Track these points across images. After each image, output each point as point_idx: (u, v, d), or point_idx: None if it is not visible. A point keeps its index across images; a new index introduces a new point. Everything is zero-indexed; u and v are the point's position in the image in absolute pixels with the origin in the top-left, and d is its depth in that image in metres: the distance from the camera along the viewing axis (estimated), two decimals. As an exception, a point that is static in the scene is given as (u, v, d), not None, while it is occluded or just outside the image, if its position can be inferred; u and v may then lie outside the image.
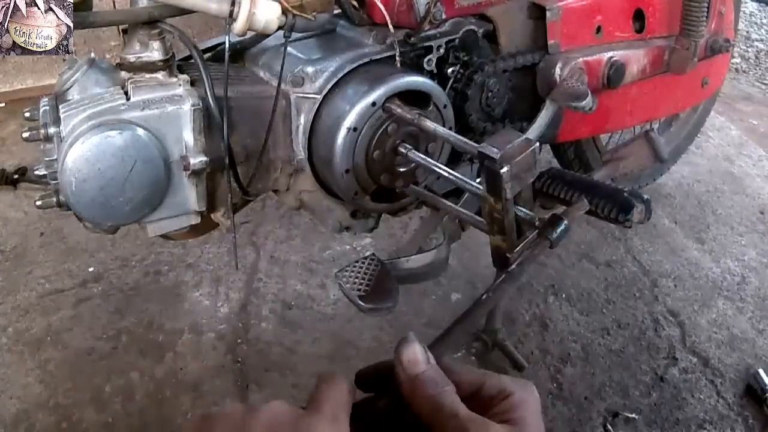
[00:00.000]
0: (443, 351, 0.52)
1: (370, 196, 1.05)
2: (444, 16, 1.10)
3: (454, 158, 1.18)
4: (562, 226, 0.72)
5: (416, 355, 0.46)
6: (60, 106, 0.85)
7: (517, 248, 0.79)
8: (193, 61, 0.91)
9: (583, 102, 1.09)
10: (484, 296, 0.60)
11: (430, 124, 0.96)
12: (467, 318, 0.59)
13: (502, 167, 0.73)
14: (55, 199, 0.88)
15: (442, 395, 0.44)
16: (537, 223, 0.76)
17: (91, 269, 1.69)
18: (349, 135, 0.95)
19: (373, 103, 0.96)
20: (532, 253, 0.73)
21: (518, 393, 0.45)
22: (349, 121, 0.95)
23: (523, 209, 0.79)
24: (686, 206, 1.98)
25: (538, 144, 0.77)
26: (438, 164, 0.97)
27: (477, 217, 0.93)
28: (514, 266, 0.69)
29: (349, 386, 0.45)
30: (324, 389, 0.44)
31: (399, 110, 0.97)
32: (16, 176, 2.03)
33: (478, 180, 0.99)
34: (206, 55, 1.05)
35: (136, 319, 1.53)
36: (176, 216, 0.95)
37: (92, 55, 0.90)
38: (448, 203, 1.00)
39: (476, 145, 0.80)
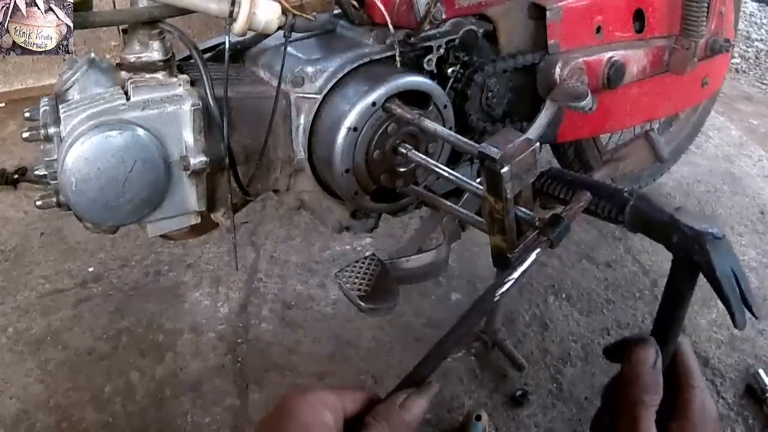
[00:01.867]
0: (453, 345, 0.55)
1: (370, 196, 1.05)
2: (444, 16, 1.10)
3: (454, 158, 1.18)
4: (563, 226, 0.72)
5: (647, 356, 0.52)
6: (60, 106, 0.85)
7: (518, 248, 0.79)
8: (193, 61, 0.91)
9: (583, 102, 1.09)
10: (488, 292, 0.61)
11: (430, 124, 0.96)
12: (477, 307, 0.60)
13: (502, 167, 0.73)
14: (55, 199, 0.88)
15: (642, 406, 0.51)
16: (537, 223, 0.76)
17: (91, 269, 1.69)
18: (349, 135, 0.95)
19: (373, 103, 0.96)
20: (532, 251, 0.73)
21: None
22: (350, 120, 0.95)
23: (523, 209, 0.79)
24: (686, 206, 1.97)
25: (538, 144, 0.77)
26: (438, 164, 0.97)
27: (477, 217, 0.93)
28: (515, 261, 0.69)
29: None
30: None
31: (399, 110, 0.97)
32: (16, 176, 2.03)
33: (478, 180, 0.99)
34: (206, 55, 1.05)
35: (136, 319, 1.53)
36: (176, 216, 0.95)
37: (92, 55, 0.90)
38: (448, 203, 1.00)
39: (476, 144, 0.80)
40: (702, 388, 0.54)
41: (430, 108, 1.04)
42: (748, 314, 0.55)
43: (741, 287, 0.55)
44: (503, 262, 0.81)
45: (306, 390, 0.51)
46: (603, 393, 0.58)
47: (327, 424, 0.48)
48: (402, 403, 0.51)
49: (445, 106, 1.06)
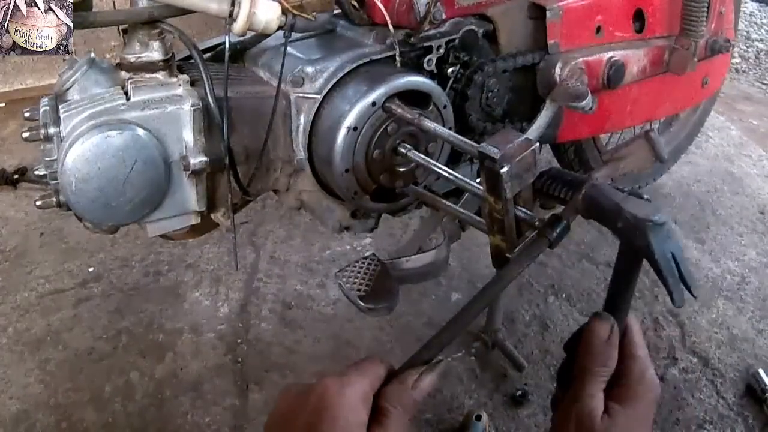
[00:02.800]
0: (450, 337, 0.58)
1: (370, 196, 1.05)
2: (444, 16, 1.09)
3: (454, 158, 1.18)
4: (562, 227, 0.72)
5: (600, 328, 0.58)
6: (60, 106, 0.85)
7: (517, 248, 0.79)
8: (193, 61, 0.91)
9: (583, 102, 1.09)
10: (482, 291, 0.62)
11: (430, 124, 0.96)
12: (475, 304, 0.62)
13: (502, 167, 0.73)
14: (55, 199, 0.88)
15: (589, 374, 0.56)
16: (537, 224, 0.76)
17: (91, 269, 1.69)
18: (349, 134, 0.95)
19: (373, 103, 0.96)
20: (530, 252, 0.73)
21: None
22: (350, 120, 0.95)
23: (523, 209, 0.79)
24: (686, 206, 1.98)
25: (538, 144, 0.77)
26: (438, 164, 0.97)
27: (477, 218, 0.93)
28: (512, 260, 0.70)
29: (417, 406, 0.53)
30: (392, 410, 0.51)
31: (399, 110, 0.97)
32: (16, 176, 2.03)
33: (478, 180, 0.99)
34: (206, 55, 1.05)
35: (136, 319, 1.53)
36: (176, 216, 0.95)
37: (92, 55, 0.90)
38: (448, 203, 1.00)
39: (476, 145, 0.80)
40: (644, 357, 0.58)
41: (430, 108, 1.04)
42: (687, 295, 0.60)
43: (680, 270, 0.59)
44: (503, 263, 0.81)
45: (343, 380, 0.51)
46: (557, 372, 0.63)
47: (363, 423, 0.49)
48: (413, 384, 0.54)
49: (444, 107, 1.06)
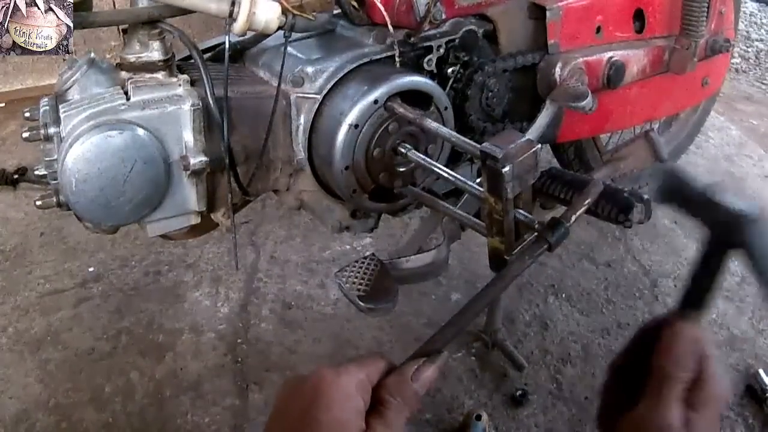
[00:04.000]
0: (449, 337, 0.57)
1: (369, 195, 1.05)
2: (444, 16, 1.09)
3: (454, 159, 1.18)
4: (562, 230, 0.72)
5: (690, 332, 0.54)
6: (60, 106, 0.85)
7: (515, 250, 0.79)
8: (193, 61, 0.91)
9: (584, 102, 1.09)
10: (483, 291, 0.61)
11: (432, 124, 0.96)
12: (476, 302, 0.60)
13: (504, 167, 0.73)
14: (55, 199, 0.88)
15: (672, 380, 0.52)
16: (536, 226, 0.76)
17: (91, 269, 1.69)
18: (350, 131, 0.96)
19: (376, 101, 0.96)
20: (530, 253, 0.73)
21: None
22: (351, 117, 0.95)
23: (522, 212, 0.79)
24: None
25: (540, 146, 0.77)
26: (437, 165, 0.97)
27: (475, 220, 0.93)
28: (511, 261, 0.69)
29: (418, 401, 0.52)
30: (392, 403, 0.51)
31: (401, 109, 0.97)
32: (16, 176, 2.03)
33: (477, 181, 0.99)
34: (206, 55, 1.05)
35: (136, 319, 1.53)
36: (176, 216, 0.95)
37: (92, 55, 0.90)
38: (446, 205, 1.00)
39: (477, 145, 0.80)
40: (715, 357, 0.54)
41: (431, 109, 1.04)
42: None
43: None
44: (500, 265, 0.81)
45: (339, 369, 0.50)
46: (614, 365, 0.58)
47: (359, 411, 0.49)
48: (413, 375, 0.53)
49: (445, 108, 1.06)
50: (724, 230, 0.55)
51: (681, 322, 0.55)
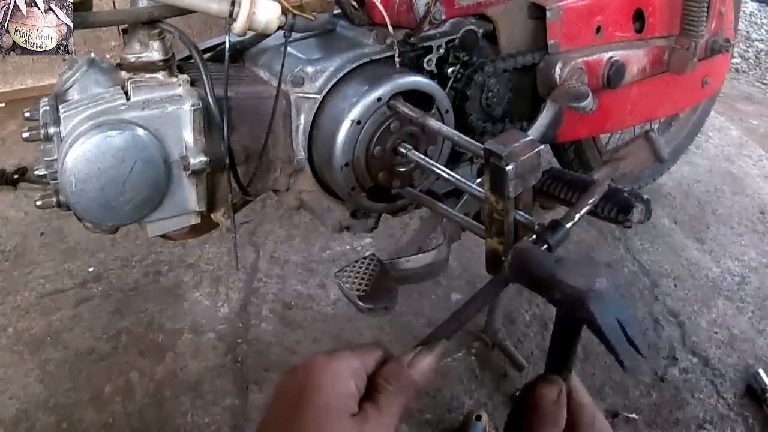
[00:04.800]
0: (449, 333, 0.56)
1: (367, 195, 1.05)
2: (444, 16, 1.10)
3: (453, 160, 1.18)
4: (562, 232, 0.72)
5: (549, 390, 0.55)
6: (60, 106, 0.85)
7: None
8: (193, 61, 0.91)
9: (584, 102, 1.09)
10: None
11: (434, 123, 0.96)
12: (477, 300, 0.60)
13: (507, 164, 0.73)
14: (55, 199, 0.88)
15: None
16: (536, 228, 0.76)
17: (91, 269, 1.69)
18: (352, 127, 0.96)
19: (379, 98, 0.96)
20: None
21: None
22: (354, 113, 0.95)
23: (522, 213, 0.79)
24: (686, 206, 1.98)
25: (542, 146, 0.77)
26: (437, 165, 0.97)
27: (473, 222, 0.93)
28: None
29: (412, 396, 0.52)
30: (389, 395, 0.50)
31: (404, 108, 0.97)
32: (16, 176, 2.03)
33: (477, 181, 0.99)
34: (206, 55, 1.05)
35: (136, 319, 1.53)
36: (176, 216, 0.95)
37: (92, 55, 0.90)
38: (444, 207, 1.00)
39: (480, 144, 0.81)
40: (590, 405, 0.56)
41: (432, 111, 1.04)
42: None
43: (627, 333, 0.55)
44: (498, 267, 0.81)
45: (332, 354, 0.50)
46: (505, 427, 0.60)
47: (349, 394, 0.48)
48: (410, 362, 0.52)
49: (447, 111, 1.06)
50: (570, 308, 0.56)
51: (543, 383, 0.56)
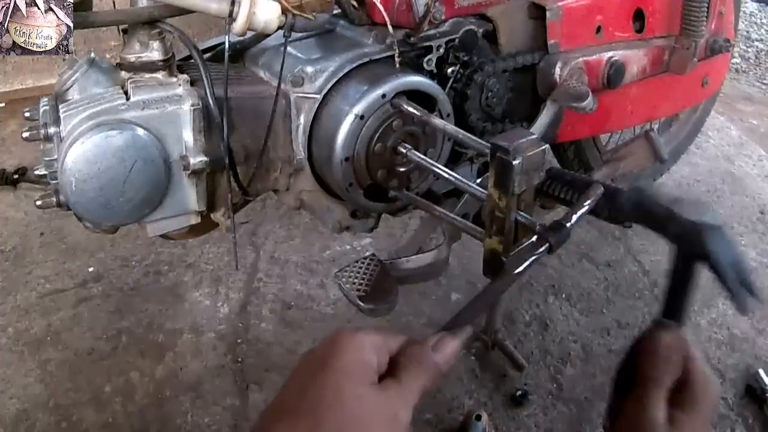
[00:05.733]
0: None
1: (364, 192, 1.05)
2: (444, 16, 1.10)
3: (453, 161, 1.18)
4: (563, 233, 0.72)
5: (667, 336, 0.55)
6: (60, 106, 0.85)
7: (514, 251, 0.79)
8: (193, 61, 0.91)
9: (584, 102, 1.09)
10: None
11: (438, 121, 0.96)
12: (480, 298, 0.60)
13: (515, 158, 0.73)
14: (55, 199, 0.88)
15: (653, 383, 0.54)
16: (537, 228, 0.76)
17: (91, 269, 1.69)
18: (355, 121, 0.96)
19: (383, 95, 0.96)
20: (530, 253, 0.73)
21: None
22: (358, 108, 0.95)
23: (523, 213, 0.79)
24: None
25: (548, 145, 0.77)
26: (437, 164, 0.97)
27: (470, 224, 0.93)
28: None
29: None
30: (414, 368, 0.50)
31: (408, 107, 0.97)
32: (16, 176, 2.03)
33: (477, 181, 0.99)
34: (206, 55, 1.05)
35: (136, 319, 1.53)
36: (176, 216, 0.95)
37: (92, 55, 0.90)
38: (441, 209, 1.00)
39: (484, 142, 0.81)
40: (702, 359, 0.56)
41: (434, 114, 1.04)
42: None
43: (741, 274, 0.55)
44: (497, 268, 0.81)
45: (357, 328, 0.51)
46: (615, 374, 0.59)
47: (370, 364, 0.48)
48: (434, 345, 0.52)
49: (448, 115, 1.06)
50: (687, 243, 0.56)
51: (660, 330, 0.56)
